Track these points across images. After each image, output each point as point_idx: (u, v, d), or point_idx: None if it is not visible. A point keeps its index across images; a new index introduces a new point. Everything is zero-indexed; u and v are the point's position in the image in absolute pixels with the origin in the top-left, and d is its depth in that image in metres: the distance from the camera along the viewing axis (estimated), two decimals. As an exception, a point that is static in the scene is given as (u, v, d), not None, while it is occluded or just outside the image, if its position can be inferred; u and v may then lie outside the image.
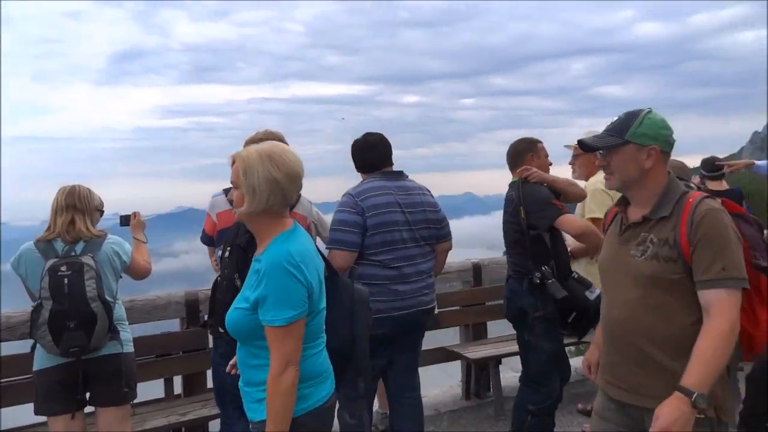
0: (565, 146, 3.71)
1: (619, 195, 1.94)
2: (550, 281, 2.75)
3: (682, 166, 4.16)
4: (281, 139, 2.72)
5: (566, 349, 3.47)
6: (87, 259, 2.46)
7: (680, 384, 1.56)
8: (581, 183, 3.43)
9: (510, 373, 4.54)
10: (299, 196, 2.44)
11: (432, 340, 4.44)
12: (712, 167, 4.62)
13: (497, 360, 4.00)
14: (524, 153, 3.05)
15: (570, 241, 3.45)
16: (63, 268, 2.40)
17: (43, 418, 2.67)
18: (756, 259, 1.73)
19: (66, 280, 2.38)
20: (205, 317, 2.84)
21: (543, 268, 2.77)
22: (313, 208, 3.22)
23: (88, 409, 2.66)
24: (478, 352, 4.06)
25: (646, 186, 1.73)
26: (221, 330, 2.14)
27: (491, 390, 4.08)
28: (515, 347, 4.04)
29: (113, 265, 2.65)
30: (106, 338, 2.50)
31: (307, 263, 1.65)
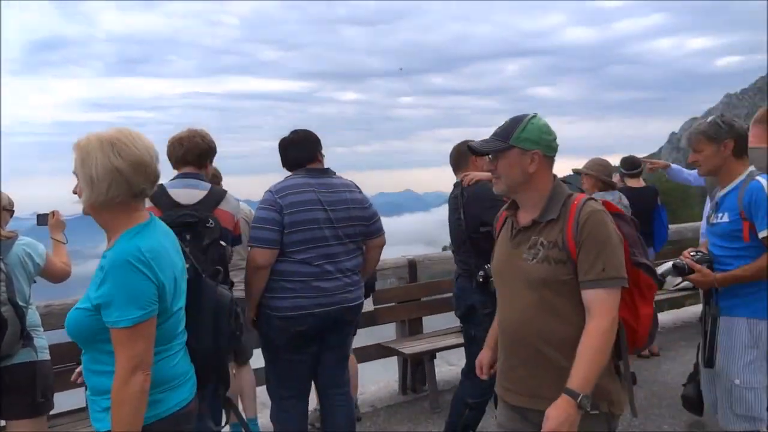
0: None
1: None
2: (492, 279, 2.79)
3: (606, 165, 4.41)
4: (205, 137, 2.67)
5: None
6: None
7: (566, 386, 1.61)
8: None
9: (445, 367, 4.65)
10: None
11: (369, 336, 4.48)
12: (631, 165, 4.90)
13: (432, 354, 4.07)
14: (467, 155, 3.08)
15: None
16: None
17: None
18: (635, 256, 1.78)
19: None
20: None
21: (486, 266, 2.79)
22: (243, 205, 3.15)
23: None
24: (413, 347, 4.12)
25: (532, 190, 1.77)
26: None
27: (427, 384, 4.14)
28: (450, 341, 4.15)
29: (25, 267, 2.49)
30: (18, 345, 2.35)
31: (159, 260, 1.54)
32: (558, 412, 1.60)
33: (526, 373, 1.78)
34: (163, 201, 2.46)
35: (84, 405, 3.19)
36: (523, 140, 1.74)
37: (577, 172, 4.46)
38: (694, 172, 3.78)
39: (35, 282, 2.58)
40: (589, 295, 1.67)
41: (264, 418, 3.59)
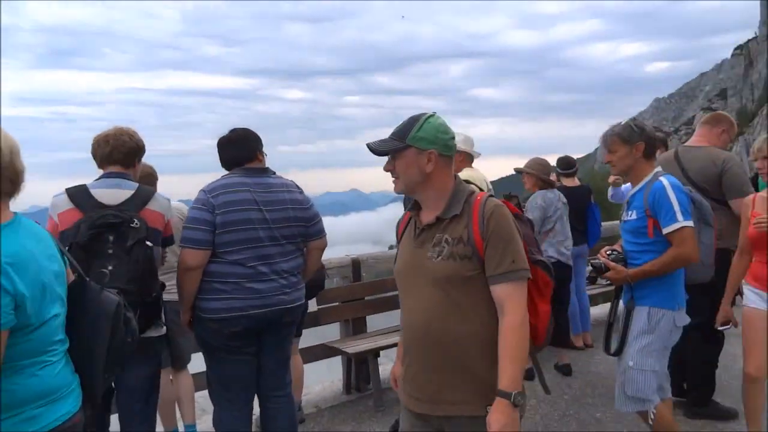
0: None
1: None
2: None
3: (546, 164, 4.56)
4: (133, 136, 2.59)
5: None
6: None
7: (499, 389, 1.63)
8: None
9: (390, 365, 4.66)
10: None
11: (313, 336, 4.43)
12: (566, 165, 5.10)
13: (375, 353, 4.07)
14: None
15: None
16: None
17: None
18: (532, 254, 1.80)
19: None
20: None
21: None
22: (180, 205, 3.04)
23: None
24: (357, 346, 4.11)
25: (432, 189, 1.77)
26: None
27: (371, 383, 4.14)
28: (394, 339, 4.16)
29: None
30: None
31: (20, 266, 1.39)
32: (498, 416, 1.61)
33: (428, 378, 1.76)
34: (85, 202, 2.37)
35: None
36: (418, 140, 1.73)
37: (518, 171, 4.59)
38: (628, 185, 4.02)
39: None
40: (501, 290, 1.68)
41: (204, 425, 3.49)
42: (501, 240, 1.68)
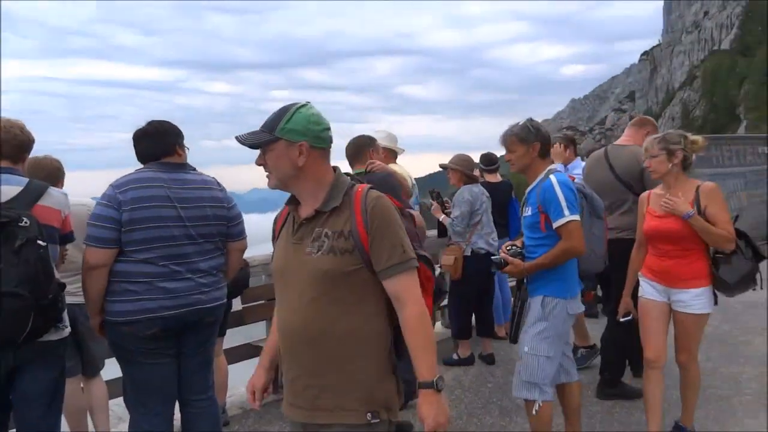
0: None
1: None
2: None
3: (470, 160, 4.69)
4: (23, 129, 2.43)
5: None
6: None
7: (419, 381, 1.59)
8: None
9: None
10: None
11: (238, 336, 4.32)
12: (489, 162, 5.27)
13: (304, 350, 4.02)
14: (365, 147, 3.27)
15: None
16: None
17: None
18: (414, 249, 1.75)
19: None
20: None
21: None
22: (88, 201, 2.87)
23: None
24: (284, 344, 4.04)
25: (307, 183, 1.68)
26: None
27: (299, 381, 4.09)
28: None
29: None
30: None
31: None
32: (427, 407, 1.59)
33: (307, 383, 1.67)
34: None
35: None
36: (288, 131, 1.64)
37: (443, 167, 4.71)
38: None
39: None
40: (397, 283, 1.62)
41: (119, 433, 3.31)
42: (387, 232, 1.62)
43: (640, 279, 3.13)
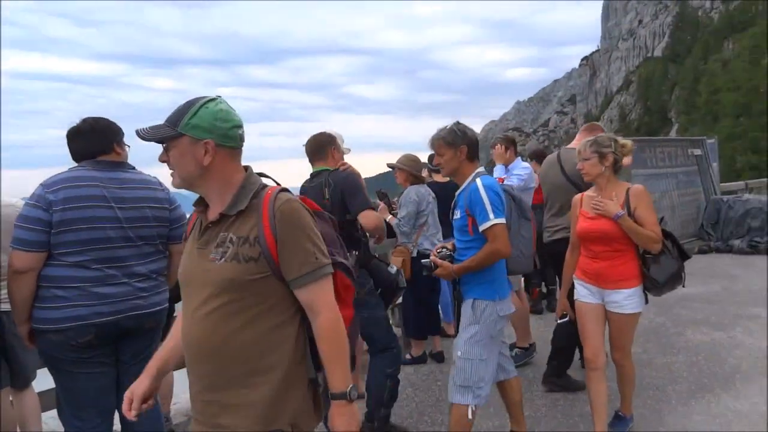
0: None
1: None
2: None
3: (417, 160, 4.72)
4: None
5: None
6: None
7: (331, 392, 1.54)
8: None
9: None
10: None
11: (183, 342, 4.17)
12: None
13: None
14: (327, 145, 3.26)
15: None
16: None
17: None
18: (333, 256, 1.65)
19: None
20: None
21: (353, 252, 2.97)
22: (16, 202, 2.70)
23: None
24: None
25: (214, 184, 1.57)
26: None
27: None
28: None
29: None
30: None
31: None
32: (340, 419, 1.54)
33: (209, 398, 1.55)
34: None
35: None
36: (192, 127, 1.52)
37: (391, 166, 4.71)
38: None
39: None
40: (309, 292, 1.53)
41: (53, 447, 3.13)
42: (297, 238, 1.52)
43: (574, 281, 3.18)
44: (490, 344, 2.74)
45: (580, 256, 3.13)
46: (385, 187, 5.20)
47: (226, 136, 1.56)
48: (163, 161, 1.59)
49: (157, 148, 1.59)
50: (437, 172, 5.26)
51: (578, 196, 3.19)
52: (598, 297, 3.05)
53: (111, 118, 2.57)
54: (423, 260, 2.90)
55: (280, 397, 1.53)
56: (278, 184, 1.66)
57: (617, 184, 3.03)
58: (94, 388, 2.44)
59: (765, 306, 5.79)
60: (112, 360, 2.47)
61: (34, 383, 3.07)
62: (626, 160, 4.01)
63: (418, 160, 4.75)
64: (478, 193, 2.65)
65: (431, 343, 4.75)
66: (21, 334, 2.43)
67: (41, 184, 2.31)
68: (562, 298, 3.28)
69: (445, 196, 4.92)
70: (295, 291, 1.54)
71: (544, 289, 6.22)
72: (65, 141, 2.52)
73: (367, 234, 3.22)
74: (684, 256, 3.04)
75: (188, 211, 2.17)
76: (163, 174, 2.63)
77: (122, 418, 2.62)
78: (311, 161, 3.31)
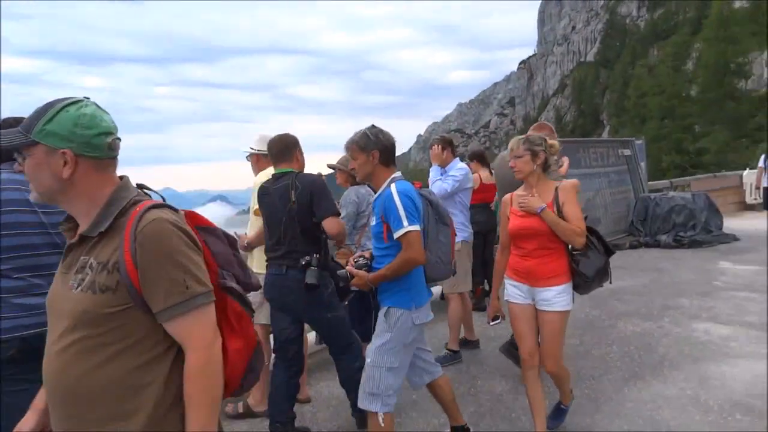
0: (244, 151, 3.91)
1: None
2: (312, 268, 2.99)
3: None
4: None
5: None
6: None
7: None
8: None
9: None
10: None
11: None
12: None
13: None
14: (293, 147, 3.25)
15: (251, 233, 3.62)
16: None
17: None
18: (224, 279, 1.47)
19: None
20: None
21: (315, 255, 3.02)
22: None
23: None
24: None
25: (78, 200, 1.39)
26: None
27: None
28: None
29: None
30: None
31: None
32: None
33: None
34: None
35: None
36: (47, 135, 1.33)
37: (331, 167, 4.67)
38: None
39: None
40: (178, 327, 1.34)
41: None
42: (162, 264, 1.31)
43: (506, 282, 3.19)
44: (403, 352, 2.68)
45: (511, 255, 3.14)
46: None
47: (89, 144, 1.36)
48: (18, 171, 1.41)
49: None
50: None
51: (508, 195, 3.20)
52: (528, 297, 3.05)
53: None
54: (338, 271, 2.78)
55: None
56: (163, 198, 1.47)
57: (547, 182, 3.06)
58: (17, 409, 2.27)
59: (689, 297, 6.17)
60: (37, 376, 2.31)
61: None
62: (563, 170, 4.16)
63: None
64: (392, 200, 2.57)
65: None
66: None
67: None
68: (493, 299, 3.28)
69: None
70: (164, 325, 1.35)
71: (487, 287, 6.35)
72: None
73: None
74: (609, 252, 3.09)
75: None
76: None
77: None
78: (275, 162, 3.27)
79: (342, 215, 4.38)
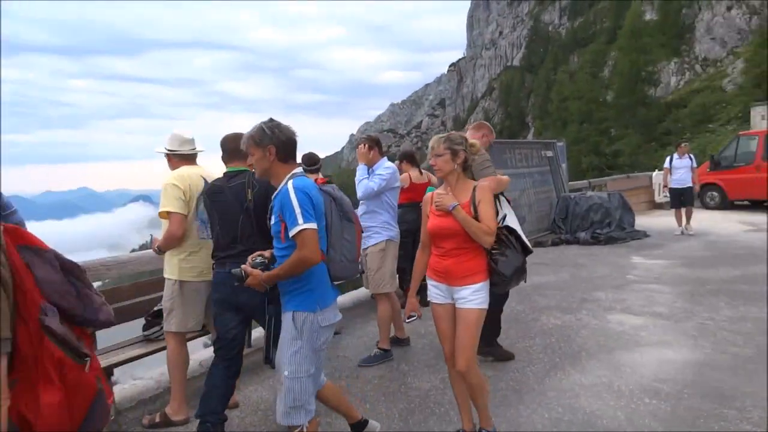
0: (156, 151, 3.74)
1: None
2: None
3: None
4: None
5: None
6: None
7: None
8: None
9: (129, 383, 4.19)
10: None
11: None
12: (310, 162, 5.30)
13: (108, 371, 3.59)
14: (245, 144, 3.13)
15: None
16: None
17: None
18: (45, 315, 1.23)
19: None
20: None
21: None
22: None
23: None
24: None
25: None
26: None
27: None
28: (129, 354, 3.74)
29: None
30: None
31: None
32: None
33: None
34: None
35: None
36: None
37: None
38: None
39: None
40: None
41: None
42: None
43: (427, 281, 3.16)
44: (314, 356, 2.61)
45: (432, 255, 3.11)
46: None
47: None
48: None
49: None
50: (311, 172, 5.23)
51: (429, 194, 3.18)
52: (448, 296, 3.04)
53: None
54: (233, 270, 2.64)
55: None
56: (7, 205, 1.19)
57: (466, 181, 3.07)
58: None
59: (605, 290, 6.56)
60: None
61: None
62: (501, 177, 4.23)
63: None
64: (288, 197, 2.47)
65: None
66: None
67: None
68: (410, 297, 3.20)
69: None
70: None
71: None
72: None
73: None
74: (526, 251, 3.16)
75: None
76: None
77: None
78: (228, 160, 3.20)
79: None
